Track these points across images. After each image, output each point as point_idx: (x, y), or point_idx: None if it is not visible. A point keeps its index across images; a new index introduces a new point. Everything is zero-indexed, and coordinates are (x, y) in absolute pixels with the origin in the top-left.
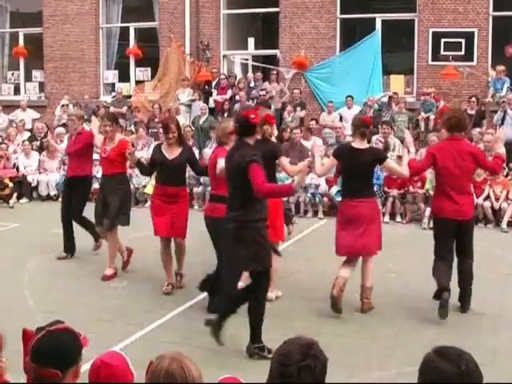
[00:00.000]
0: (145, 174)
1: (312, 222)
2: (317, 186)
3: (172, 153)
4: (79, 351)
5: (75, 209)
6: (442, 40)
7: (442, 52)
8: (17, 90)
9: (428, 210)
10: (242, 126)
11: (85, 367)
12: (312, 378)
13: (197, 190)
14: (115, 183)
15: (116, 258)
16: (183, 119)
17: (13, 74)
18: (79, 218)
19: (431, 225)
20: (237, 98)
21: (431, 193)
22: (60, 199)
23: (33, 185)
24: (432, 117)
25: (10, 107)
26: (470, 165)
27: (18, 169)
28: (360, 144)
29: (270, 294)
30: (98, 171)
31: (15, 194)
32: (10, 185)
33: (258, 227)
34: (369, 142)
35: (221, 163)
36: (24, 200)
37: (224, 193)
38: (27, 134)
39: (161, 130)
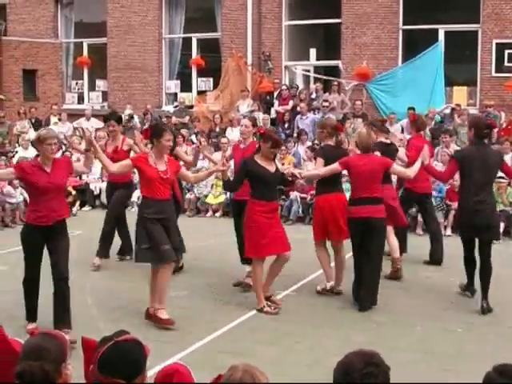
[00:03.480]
0: (230, 189)
1: None
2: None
3: (270, 165)
4: (145, 361)
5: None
6: (506, 51)
7: (506, 63)
8: (80, 99)
9: None
10: (489, 131)
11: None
12: None
13: None
14: (173, 207)
15: None
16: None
17: (77, 84)
18: None
19: None
20: (298, 109)
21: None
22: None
23: (95, 193)
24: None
25: (73, 116)
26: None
27: (80, 177)
28: None
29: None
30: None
31: (78, 202)
32: (73, 193)
33: None
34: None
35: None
36: (87, 208)
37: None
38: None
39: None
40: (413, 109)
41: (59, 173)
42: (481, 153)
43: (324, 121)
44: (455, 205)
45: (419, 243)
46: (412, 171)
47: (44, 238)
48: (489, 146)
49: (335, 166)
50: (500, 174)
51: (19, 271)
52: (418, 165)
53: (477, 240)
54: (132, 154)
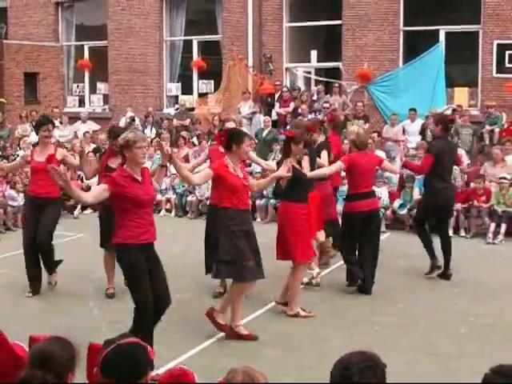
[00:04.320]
0: (279, 196)
1: None
2: (379, 199)
3: (300, 167)
4: (148, 364)
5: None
6: (507, 52)
7: (507, 64)
8: (81, 102)
9: (493, 225)
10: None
11: None
12: (376, 379)
13: (259, 202)
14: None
15: None
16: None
17: (78, 87)
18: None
19: (497, 239)
20: (299, 110)
21: (496, 208)
22: None
23: None
24: (497, 130)
25: (75, 119)
26: None
27: (82, 180)
28: None
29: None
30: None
31: (79, 205)
32: None
33: None
34: None
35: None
36: (88, 211)
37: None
38: (93, 146)
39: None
40: (414, 110)
41: (149, 182)
42: (448, 145)
43: (298, 121)
44: (457, 205)
45: (422, 244)
46: (398, 167)
47: (145, 258)
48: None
49: (340, 164)
50: (503, 174)
51: (20, 274)
52: (399, 161)
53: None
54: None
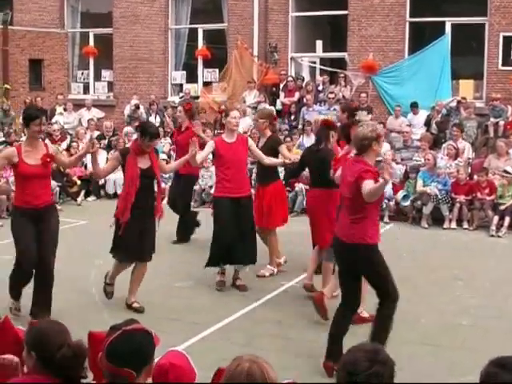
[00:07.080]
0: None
1: None
2: None
3: None
4: (153, 351)
5: None
6: None
7: None
8: (86, 89)
9: (496, 218)
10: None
11: None
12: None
13: None
14: None
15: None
16: (250, 121)
17: (82, 74)
18: None
19: (500, 232)
20: (304, 100)
21: (500, 201)
22: None
23: (100, 183)
24: (502, 122)
25: (79, 106)
26: None
27: (86, 167)
28: None
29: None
30: None
31: (83, 192)
32: (78, 183)
33: None
34: None
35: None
36: (91, 198)
37: None
38: (97, 133)
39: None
40: (416, 105)
41: None
42: None
43: (264, 111)
44: (460, 198)
45: (425, 236)
46: None
47: None
48: None
49: None
50: (506, 167)
51: None
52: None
53: None
54: None
